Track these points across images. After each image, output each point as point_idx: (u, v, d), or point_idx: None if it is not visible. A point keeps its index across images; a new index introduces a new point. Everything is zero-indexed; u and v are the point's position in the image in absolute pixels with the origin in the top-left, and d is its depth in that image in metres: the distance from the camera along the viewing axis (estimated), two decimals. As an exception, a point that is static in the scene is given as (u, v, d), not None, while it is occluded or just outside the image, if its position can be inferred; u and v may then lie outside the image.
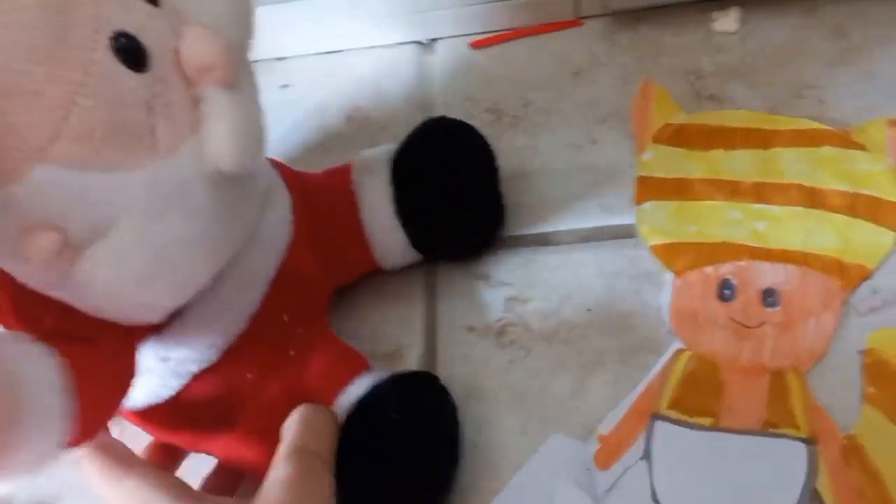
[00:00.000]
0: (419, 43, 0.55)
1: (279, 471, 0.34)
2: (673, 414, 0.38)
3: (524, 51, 0.53)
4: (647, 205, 0.44)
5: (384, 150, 0.44)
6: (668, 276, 0.42)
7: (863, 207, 0.42)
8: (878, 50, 0.48)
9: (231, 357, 0.37)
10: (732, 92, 0.48)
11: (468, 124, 0.44)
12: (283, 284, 0.38)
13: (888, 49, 0.47)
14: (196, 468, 0.39)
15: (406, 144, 0.43)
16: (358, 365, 0.40)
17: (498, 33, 0.54)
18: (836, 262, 0.41)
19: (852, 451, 0.36)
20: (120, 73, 0.27)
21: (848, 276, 0.40)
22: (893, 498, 0.35)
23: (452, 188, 0.42)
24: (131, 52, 0.28)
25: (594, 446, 0.38)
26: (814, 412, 0.37)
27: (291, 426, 0.36)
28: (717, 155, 0.45)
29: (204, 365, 0.37)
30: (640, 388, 0.39)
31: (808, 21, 0.50)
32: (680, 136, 0.46)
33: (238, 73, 0.31)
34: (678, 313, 0.41)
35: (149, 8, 0.29)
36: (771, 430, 0.37)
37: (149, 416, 0.38)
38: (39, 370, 0.29)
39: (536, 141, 0.49)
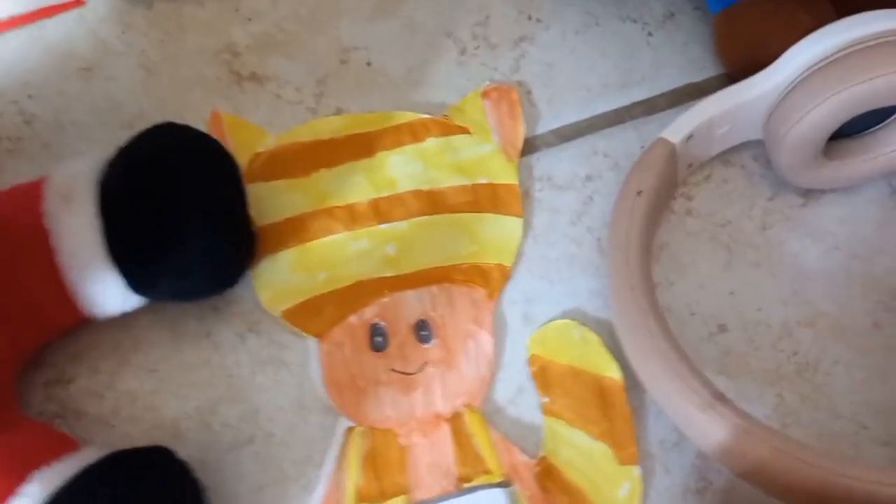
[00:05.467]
0: None
1: None
2: (363, 508, 0.33)
3: (11, 49, 0.41)
4: (263, 263, 0.37)
5: (86, 168, 0.33)
6: (312, 344, 0.36)
7: (483, 198, 0.39)
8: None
9: None
10: (275, 67, 0.41)
11: (200, 131, 0.35)
12: None
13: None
14: None
15: (118, 158, 0.33)
16: (53, 448, 0.31)
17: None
18: (476, 268, 0.38)
19: (546, 476, 0.34)
20: None
21: (491, 280, 0.37)
22: (597, 505, 0.33)
23: (187, 214, 0.32)
24: None
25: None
26: (501, 448, 0.35)
27: None
28: (322, 177, 0.39)
29: None
30: (321, 491, 0.34)
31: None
32: (274, 166, 0.39)
33: None
34: (334, 384, 0.36)
35: None
36: (465, 485, 0.34)
37: None
38: None
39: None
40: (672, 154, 0.37)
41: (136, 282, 0.33)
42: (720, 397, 0.31)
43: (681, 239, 0.39)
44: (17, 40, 0.41)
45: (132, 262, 0.33)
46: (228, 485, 0.34)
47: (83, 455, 0.31)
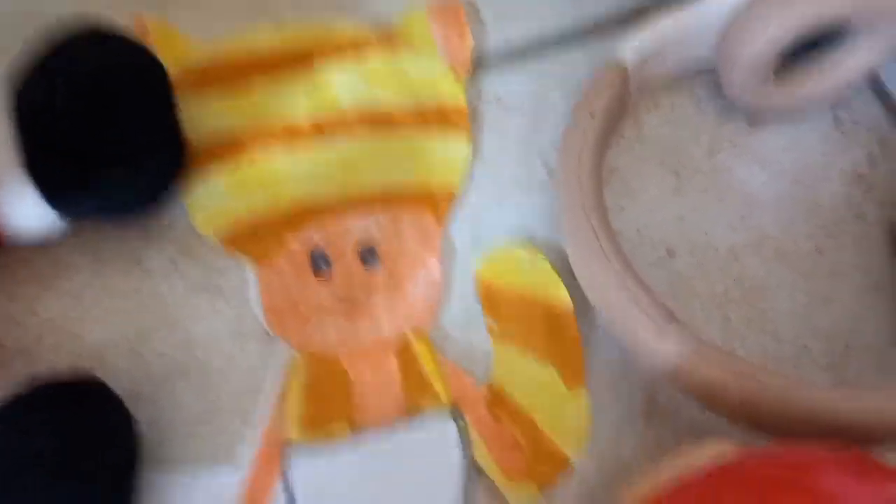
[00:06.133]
0: None
1: None
2: (307, 437, 0.32)
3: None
4: (196, 184, 0.35)
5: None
6: (250, 269, 0.34)
7: (431, 120, 0.37)
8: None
9: None
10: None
11: (122, 33, 0.32)
12: None
13: None
14: None
15: (37, 63, 0.30)
16: None
17: None
18: (424, 192, 0.36)
19: (496, 402, 0.33)
20: None
21: (439, 204, 0.36)
22: (547, 433, 0.33)
23: (110, 121, 0.30)
24: None
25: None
26: (449, 374, 0.34)
27: None
28: (259, 93, 0.37)
29: None
30: (262, 422, 0.32)
31: None
32: (206, 79, 0.36)
33: None
34: (274, 311, 0.34)
35: None
36: (413, 412, 0.33)
37: None
38: None
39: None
40: (624, 76, 0.36)
41: (55, 195, 0.30)
42: (673, 319, 0.31)
43: (630, 163, 0.38)
44: None
45: (51, 173, 0.30)
46: (164, 417, 0.32)
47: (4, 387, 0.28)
